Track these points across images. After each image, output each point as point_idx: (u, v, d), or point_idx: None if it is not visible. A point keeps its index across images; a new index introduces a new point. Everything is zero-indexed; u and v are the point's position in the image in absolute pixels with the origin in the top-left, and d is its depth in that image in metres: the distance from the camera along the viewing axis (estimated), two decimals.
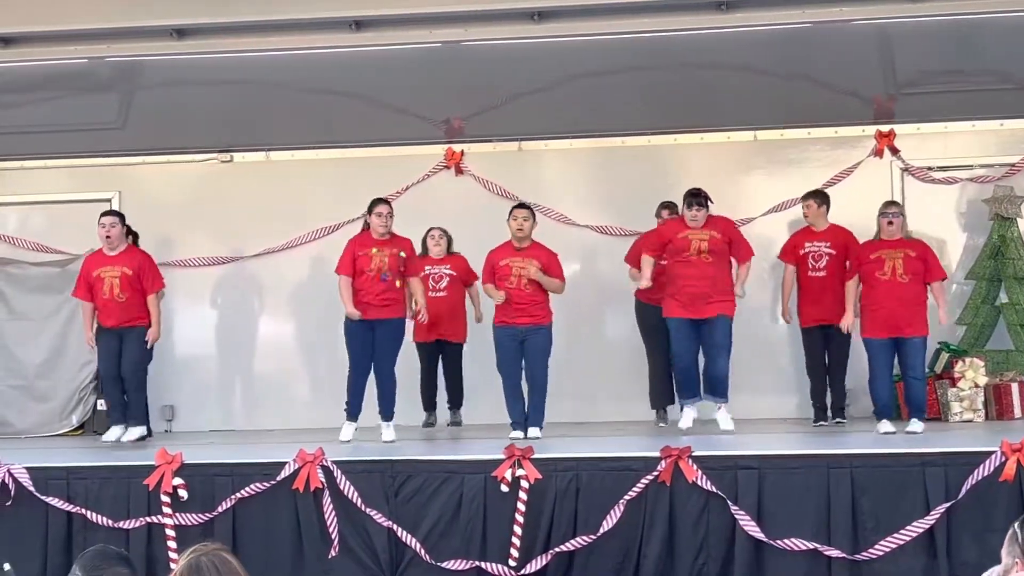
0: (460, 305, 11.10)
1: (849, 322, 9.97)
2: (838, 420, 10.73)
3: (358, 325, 9.96)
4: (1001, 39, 11.70)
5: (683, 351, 10.03)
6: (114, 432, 10.24)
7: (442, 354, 11.20)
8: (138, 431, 10.25)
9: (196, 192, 12.52)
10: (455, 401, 11.29)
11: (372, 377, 10.13)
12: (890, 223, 9.82)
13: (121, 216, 10.46)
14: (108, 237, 10.30)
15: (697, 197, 10.00)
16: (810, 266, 10.73)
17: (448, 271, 11.10)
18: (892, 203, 10.09)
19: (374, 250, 10.01)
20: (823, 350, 10.78)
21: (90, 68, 12.43)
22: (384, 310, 9.97)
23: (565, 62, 11.95)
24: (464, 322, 11.11)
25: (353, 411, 10.05)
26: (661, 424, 11.00)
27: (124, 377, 10.30)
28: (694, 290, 9.86)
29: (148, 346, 10.31)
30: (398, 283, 10.00)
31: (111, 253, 10.34)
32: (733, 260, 10.09)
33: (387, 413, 10.08)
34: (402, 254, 10.05)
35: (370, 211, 10.15)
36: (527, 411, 9.94)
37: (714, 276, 9.89)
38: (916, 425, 9.64)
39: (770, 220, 11.84)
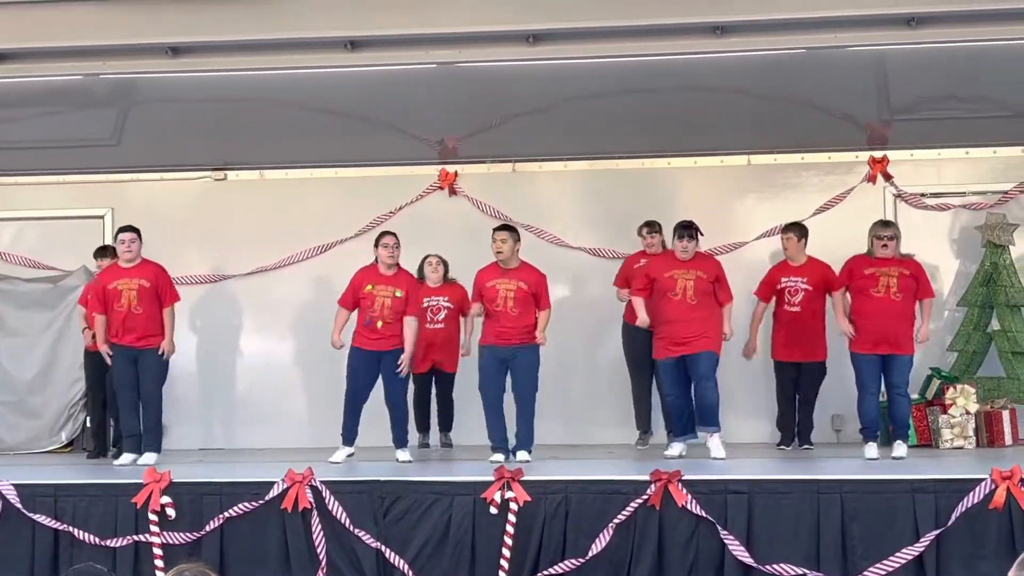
0: (456, 336, 11.11)
1: (848, 331, 9.90)
2: (805, 446, 10.76)
3: (363, 355, 9.98)
4: (995, 67, 11.74)
5: (674, 391, 10.06)
6: (128, 457, 10.20)
7: (435, 381, 11.23)
8: (155, 456, 10.15)
9: (190, 210, 12.52)
10: (445, 425, 11.37)
11: (371, 403, 10.11)
12: (884, 246, 9.81)
13: (138, 232, 10.43)
14: (129, 251, 10.29)
15: (688, 229, 10.02)
16: (786, 300, 10.77)
17: (446, 303, 11.11)
18: (888, 225, 10.03)
19: (368, 287, 10.01)
20: (794, 383, 10.83)
21: (85, 85, 12.43)
22: (390, 341, 9.98)
23: (560, 85, 11.97)
24: (458, 352, 11.14)
25: (349, 437, 10.02)
26: (640, 446, 11.00)
27: (143, 400, 10.26)
28: (681, 331, 9.89)
29: (164, 358, 10.27)
30: (379, 324, 9.97)
31: (127, 266, 10.32)
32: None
33: (401, 441, 10.08)
34: (398, 294, 10.03)
35: (377, 243, 10.16)
36: (516, 434, 9.91)
37: (700, 318, 9.91)
38: (900, 449, 9.65)
39: (763, 244, 11.84)
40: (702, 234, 10.13)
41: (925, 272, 10.04)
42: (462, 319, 11.08)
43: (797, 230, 10.94)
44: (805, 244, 10.88)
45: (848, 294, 9.97)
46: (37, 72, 12.27)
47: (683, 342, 9.89)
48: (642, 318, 10.11)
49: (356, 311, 10.16)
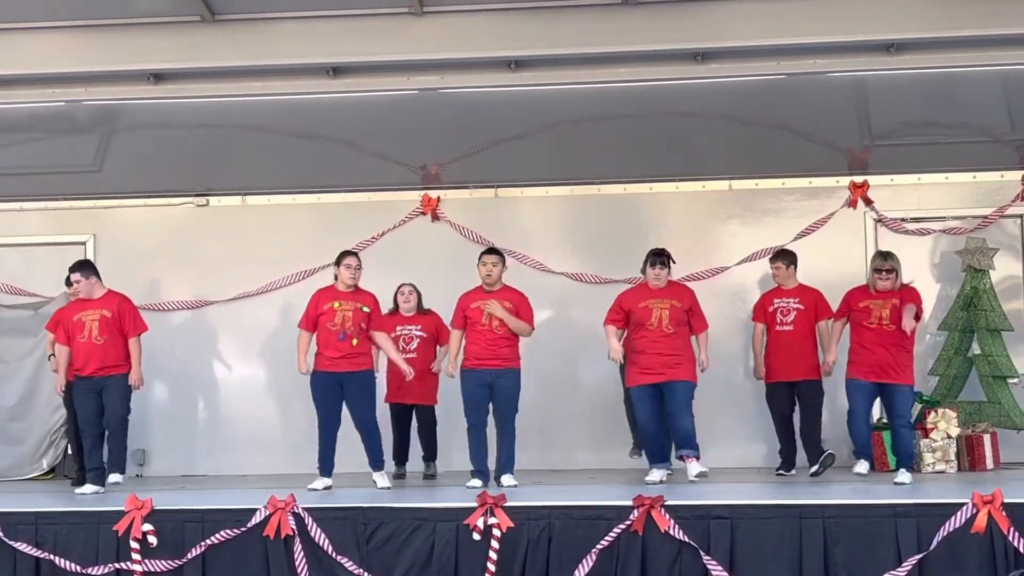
0: (428, 366, 11.01)
1: (830, 362, 9.93)
2: (815, 469, 10.67)
3: (325, 379, 9.90)
4: (974, 93, 11.84)
5: (647, 418, 9.98)
6: (91, 488, 10.14)
7: (415, 416, 11.13)
8: (118, 477, 10.12)
9: (172, 236, 12.50)
10: (429, 456, 11.24)
11: (351, 429, 10.06)
12: (884, 279, 9.84)
13: (86, 268, 10.40)
14: (78, 293, 10.35)
15: (660, 256, 10.02)
16: (778, 320, 10.74)
17: (419, 332, 11.00)
18: (887, 257, 9.99)
19: (336, 304, 9.95)
20: (789, 406, 10.76)
21: (68, 111, 12.46)
22: (352, 362, 9.91)
23: (541, 110, 12.04)
24: (436, 383, 10.99)
25: (326, 467, 9.95)
26: (635, 455, 10.95)
27: (108, 427, 10.24)
28: (656, 361, 9.85)
29: (132, 390, 10.24)
30: (354, 341, 9.91)
31: (90, 299, 10.32)
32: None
33: (377, 464, 10.01)
34: (364, 308, 9.98)
35: (338, 263, 10.11)
36: (498, 459, 9.90)
37: (675, 347, 9.89)
38: (904, 476, 9.62)
39: (745, 269, 11.88)
40: (674, 261, 10.13)
41: (917, 295, 10.03)
42: (437, 348, 11.04)
43: (785, 258, 10.95)
44: (795, 270, 10.89)
45: (848, 325, 10.00)
46: (19, 98, 12.31)
47: (659, 371, 9.86)
48: (614, 347, 10.00)
49: (315, 335, 10.06)
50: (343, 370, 9.87)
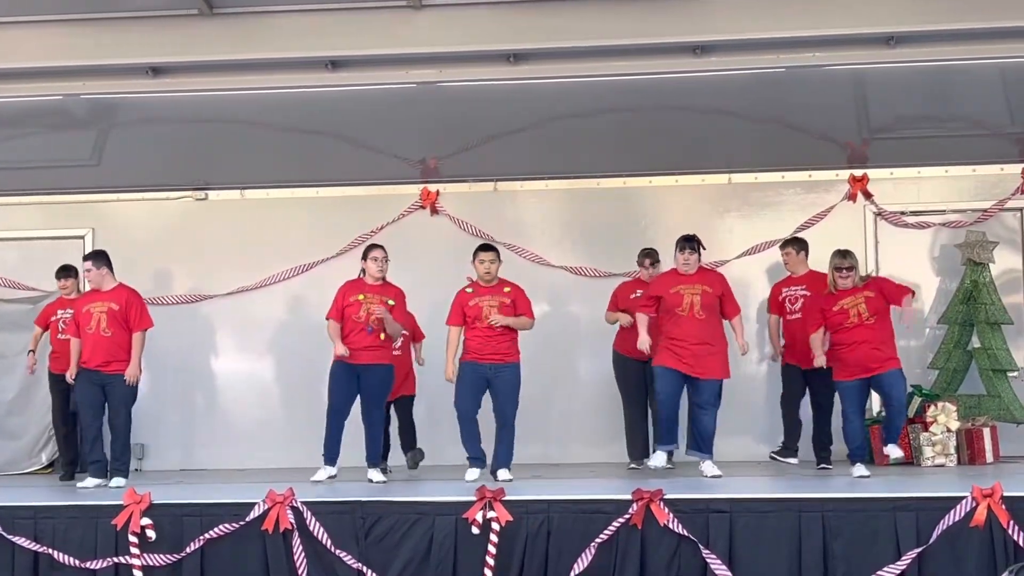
0: (411, 361, 11.01)
1: (821, 362, 9.91)
2: (823, 466, 10.62)
3: (344, 369, 9.89)
4: (974, 86, 11.83)
5: (667, 397, 9.89)
6: (92, 481, 10.11)
7: (394, 406, 11.07)
8: (121, 481, 10.04)
9: (170, 230, 12.49)
10: (409, 444, 11.18)
11: (352, 422, 10.05)
12: (844, 278, 9.82)
13: (98, 257, 10.35)
14: (89, 282, 10.34)
15: (690, 242, 9.96)
16: (788, 309, 10.79)
17: (403, 332, 10.99)
18: (845, 255, 9.91)
19: (361, 296, 9.96)
20: (802, 387, 10.76)
21: (65, 105, 12.45)
22: (373, 354, 9.92)
23: (540, 104, 12.03)
24: (414, 376, 11.04)
25: (331, 456, 9.93)
26: (633, 466, 10.94)
27: (111, 426, 10.21)
28: (689, 349, 9.81)
29: (128, 384, 10.22)
30: (382, 336, 9.93)
31: (100, 290, 10.30)
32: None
33: (374, 459, 10.03)
34: (390, 302, 9.98)
35: (365, 256, 10.10)
36: (496, 454, 9.88)
37: (707, 333, 9.84)
38: (891, 449, 9.73)
39: (744, 263, 11.87)
40: (704, 247, 10.10)
41: (889, 282, 10.05)
42: (413, 346, 11.01)
43: (795, 244, 11.02)
44: (806, 256, 10.91)
45: (826, 333, 9.93)
46: (17, 92, 12.30)
47: (691, 360, 9.81)
48: (643, 338, 9.96)
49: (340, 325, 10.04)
50: (363, 362, 9.89)
